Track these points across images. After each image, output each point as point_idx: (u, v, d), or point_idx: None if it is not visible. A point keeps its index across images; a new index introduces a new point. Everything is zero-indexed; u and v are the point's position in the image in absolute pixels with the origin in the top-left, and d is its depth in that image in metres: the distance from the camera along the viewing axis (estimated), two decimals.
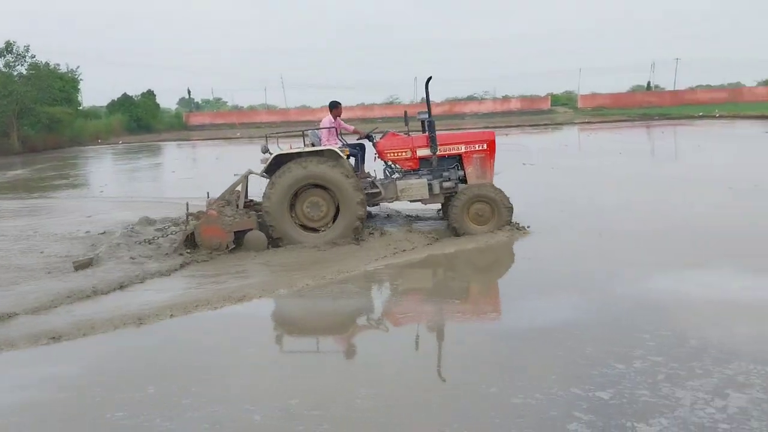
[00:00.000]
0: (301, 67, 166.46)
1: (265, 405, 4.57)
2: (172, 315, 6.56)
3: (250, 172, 9.99)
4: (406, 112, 10.07)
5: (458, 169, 10.06)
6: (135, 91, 66.37)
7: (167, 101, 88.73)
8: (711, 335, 5.39)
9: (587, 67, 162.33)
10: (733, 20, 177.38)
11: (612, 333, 5.61)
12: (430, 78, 10.24)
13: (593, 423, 4.02)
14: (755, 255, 8.05)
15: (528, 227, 9.71)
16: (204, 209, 9.49)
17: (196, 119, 70.84)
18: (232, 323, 6.49)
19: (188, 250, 9.08)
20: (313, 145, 9.71)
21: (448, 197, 9.87)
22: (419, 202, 10.09)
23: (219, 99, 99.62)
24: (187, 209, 9.54)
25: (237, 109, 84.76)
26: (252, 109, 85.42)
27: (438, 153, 9.84)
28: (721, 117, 47.82)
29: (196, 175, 23.63)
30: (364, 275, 7.89)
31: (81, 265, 8.37)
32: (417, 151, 9.91)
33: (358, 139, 10.58)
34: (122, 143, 48.23)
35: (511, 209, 9.52)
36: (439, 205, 10.60)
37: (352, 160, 9.82)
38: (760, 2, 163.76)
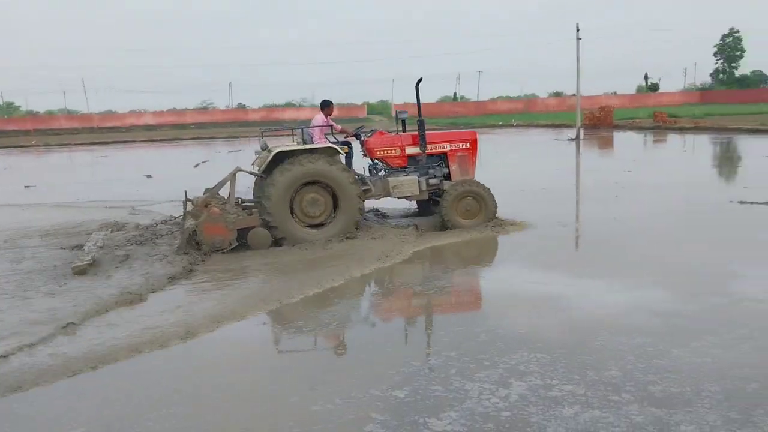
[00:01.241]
0: (106, 69, 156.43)
1: None
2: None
3: (239, 170, 9.68)
4: (397, 112, 10.53)
5: (443, 167, 10.50)
6: None
7: None
8: (498, 328, 5.76)
9: (400, 77, 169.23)
10: (529, 37, 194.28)
11: (411, 332, 5.81)
12: (420, 79, 10.44)
13: (388, 422, 4.11)
14: (540, 252, 8.78)
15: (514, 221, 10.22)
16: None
17: None
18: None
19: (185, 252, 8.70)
20: (305, 142, 9.74)
21: (432, 193, 10.33)
22: (384, 198, 10.33)
23: (11, 103, 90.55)
24: (185, 207, 9.26)
25: (32, 115, 77.47)
26: (50, 114, 78.71)
27: (421, 152, 10.23)
28: (518, 126, 52.13)
29: None
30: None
31: (80, 271, 7.91)
32: (405, 149, 10.30)
33: (346, 137, 10.83)
34: None
35: (496, 204, 10.06)
36: (414, 202, 11.16)
37: (341, 157, 9.90)
38: (552, 21, 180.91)
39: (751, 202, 11.31)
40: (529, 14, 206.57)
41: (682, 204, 12.03)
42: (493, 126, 52.83)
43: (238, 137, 51.90)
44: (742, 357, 4.91)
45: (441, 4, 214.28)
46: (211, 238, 8.82)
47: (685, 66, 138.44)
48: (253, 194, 10.34)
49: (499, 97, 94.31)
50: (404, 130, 10.60)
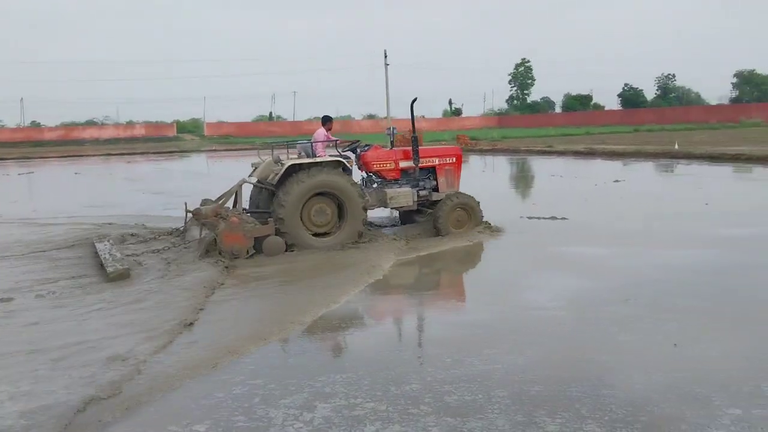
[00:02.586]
0: None
1: None
2: None
3: (244, 181, 10.46)
4: (389, 128, 11.65)
5: (431, 179, 11.24)
6: None
7: None
8: (307, 351, 5.74)
9: (212, 96, 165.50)
10: (343, 60, 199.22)
11: (214, 362, 5.58)
12: (415, 99, 11.35)
13: None
14: (353, 270, 8.90)
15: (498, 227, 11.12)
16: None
17: None
18: None
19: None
20: (307, 155, 10.33)
21: (421, 204, 11.05)
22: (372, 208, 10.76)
23: None
24: (186, 218, 10.18)
25: None
26: None
27: (414, 166, 10.99)
28: None
29: None
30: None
31: (117, 276, 8.25)
32: (399, 163, 11.01)
33: (343, 151, 11.10)
34: None
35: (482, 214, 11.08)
36: (396, 212, 11.84)
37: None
38: (364, 46, 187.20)
39: (538, 218, 12.41)
40: (341, 38, 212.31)
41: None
42: None
43: (32, 158, 47.54)
44: (528, 362, 5.31)
45: (255, 23, 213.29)
46: (230, 246, 9.22)
47: (484, 92, 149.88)
48: (250, 204, 10.89)
49: (315, 118, 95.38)
50: (392, 145, 11.46)
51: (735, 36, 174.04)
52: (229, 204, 10.29)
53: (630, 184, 18.52)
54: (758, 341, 5.67)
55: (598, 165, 26.47)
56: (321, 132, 10.94)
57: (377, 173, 11.09)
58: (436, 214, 10.78)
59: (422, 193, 11.11)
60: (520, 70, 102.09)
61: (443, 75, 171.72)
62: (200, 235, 9.59)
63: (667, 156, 27.50)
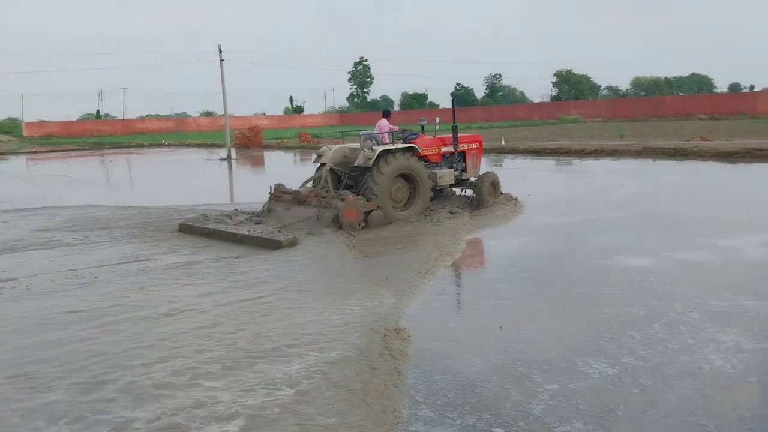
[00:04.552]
0: None
1: None
2: None
3: (330, 168, 12.23)
4: (437, 119, 13.67)
5: (461, 162, 13.57)
6: None
7: None
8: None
9: (32, 94, 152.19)
10: (175, 56, 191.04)
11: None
12: (454, 93, 15.77)
13: None
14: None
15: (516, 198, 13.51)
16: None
17: None
18: None
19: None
20: (377, 143, 12.12)
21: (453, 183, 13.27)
22: None
23: None
24: (270, 197, 12.24)
25: None
26: None
27: (454, 150, 13.31)
28: (169, 145, 50.93)
29: None
30: None
31: (288, 244, 9.85)
32: (441, 148, 13.16)
33: (395, 139, 12.68)
34: None
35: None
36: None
37: None
38: (200, 42, 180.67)
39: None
40: (175, 33, 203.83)
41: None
42: (143, 145, 50.80)
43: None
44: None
45: (80, 16, 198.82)
46: (348, 220, 10.93)
47: (325, 90, 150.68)
48: (314, 184, 12.39)
49: (148, 116, 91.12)
50: (423, 132, 13.49)
51: (554, 38, 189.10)
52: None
53: None
54: (570, 320, 6.21)
55: None
56: (385, 123, 12.94)
57: (424, 157, 12.74)
58: (478, 189, 13.12)
59: (455, 173, 13.31)
60: (359, 68, 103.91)
61: (283, 73, 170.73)
62: (318, 212, 11.22)
63: (495, 151, 29.27)
